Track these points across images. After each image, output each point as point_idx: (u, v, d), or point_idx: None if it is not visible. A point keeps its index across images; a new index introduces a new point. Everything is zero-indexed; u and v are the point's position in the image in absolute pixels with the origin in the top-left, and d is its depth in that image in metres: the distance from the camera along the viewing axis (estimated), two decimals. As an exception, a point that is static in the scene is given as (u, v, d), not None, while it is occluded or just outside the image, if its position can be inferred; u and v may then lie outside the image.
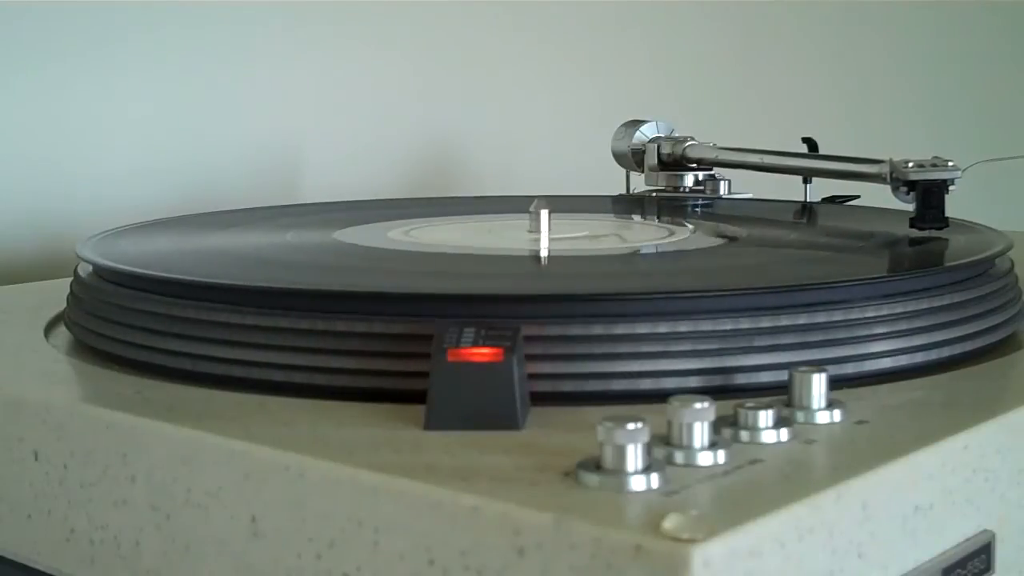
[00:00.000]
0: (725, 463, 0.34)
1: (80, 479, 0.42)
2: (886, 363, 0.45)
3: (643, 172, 0.81)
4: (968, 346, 0.47)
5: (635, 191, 0.83)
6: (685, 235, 0.62)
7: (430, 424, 0.38)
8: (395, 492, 0.34)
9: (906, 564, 0.36)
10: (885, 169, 0.61)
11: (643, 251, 0.59)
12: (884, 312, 0.45)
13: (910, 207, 0.60)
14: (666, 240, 0.61)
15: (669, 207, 0.76)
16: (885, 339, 0.45)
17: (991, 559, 0.39)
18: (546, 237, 0.60)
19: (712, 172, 0.80)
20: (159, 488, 0.40)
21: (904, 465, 0.36)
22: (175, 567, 0.40)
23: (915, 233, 0.59)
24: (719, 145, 0.78)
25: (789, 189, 0.76)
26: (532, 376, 0.40)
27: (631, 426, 0.32)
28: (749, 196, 0.78)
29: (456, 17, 1.03)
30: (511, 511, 0.32)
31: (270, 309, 0.44)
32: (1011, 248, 0.55)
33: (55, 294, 0.59)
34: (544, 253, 0.58)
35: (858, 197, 0.76)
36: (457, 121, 1.03)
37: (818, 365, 0.39)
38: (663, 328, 0.42)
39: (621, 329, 0.42)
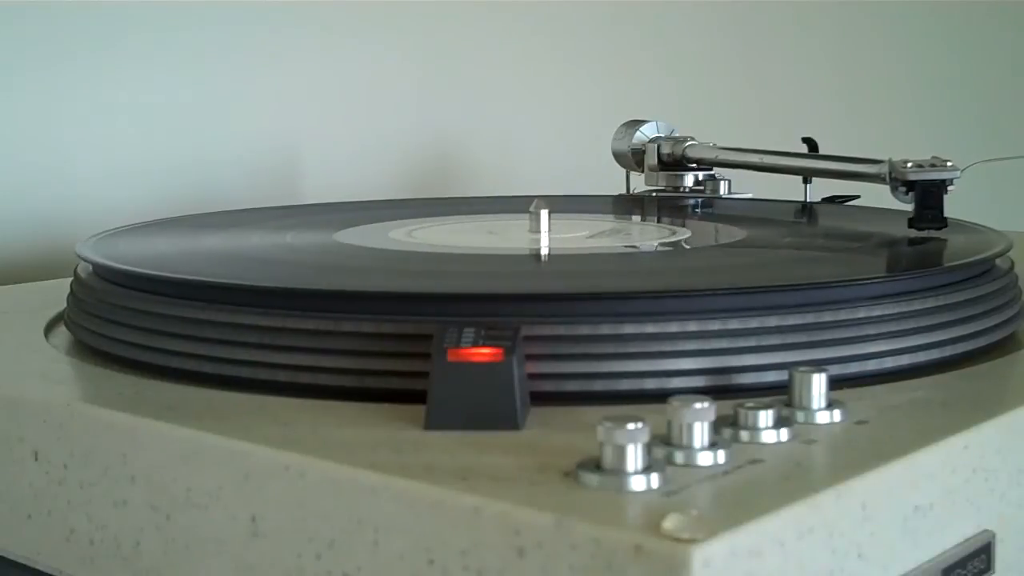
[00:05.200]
0: (725, 463, 0.34)
1: (80, 479, 0.42)
2: (886, 363, 0.45)
3: (643, 172, 0.81)
4: (968, 346, 0.47)
5: (635, 191, 0.83)
6: (685, 235, 0.63)
7: (430, 424, 0.38)
8: (395, 492, 0.34)
9: (906, 564, 0.36)
10: (884, 169, 0.61)
11: (643, 251, 0.59)
12: (884, 312, 0.45)
13: (909, 207, 0.60)
14: (666, 240, 0.61)
15: (669, 207, 0.76)
16: (885, 339, 0.45)
17: (991, 559, 0.39)
18: (546, 237, 0.60)
19: (712, 172, 0.80)
20: (159, 488, 0.40)
21: (904, 465, 0.36)
22: (175, 567, 0.40)
23: (914, 233, 0.59)
24: (719, 145, 0.78)
25: (789, 189, 0.76)
26: (532, 376, 0.40)
27: (631, 426, 0.32)
28: (749, 196, 0.78)
29: (456, 17, 1.03)
30: (511, 511, 0.32)
31: (270, 309, 0.44)
32: (1011, 248, 0.55)
33: (55, 294, 0.59)
34: (544, 253, 0.58)
35: (858, 197, 0.76)
36: (457, 121, 1.03)
37: (818, 365, 0.39)
38: (663, 328, 0.42)
39: (621, 329, 0.42)
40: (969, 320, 0.48)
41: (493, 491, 0.33)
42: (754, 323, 0.43)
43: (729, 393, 0.41)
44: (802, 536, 0.32)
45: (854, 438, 0.37)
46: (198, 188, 0.86)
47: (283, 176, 0.92)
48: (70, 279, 0.55)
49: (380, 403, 0.41)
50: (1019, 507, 0.41)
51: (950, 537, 0.38)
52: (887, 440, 0.37)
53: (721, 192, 0.79)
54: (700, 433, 0.34)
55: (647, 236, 0.64)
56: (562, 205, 0.66)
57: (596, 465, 0.33)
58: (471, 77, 1.04)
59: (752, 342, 0.42)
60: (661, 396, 0.35)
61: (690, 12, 1.23)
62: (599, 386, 0.41)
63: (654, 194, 0.80)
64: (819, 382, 0.38)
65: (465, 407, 0.38)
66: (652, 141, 0.81)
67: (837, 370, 0.42)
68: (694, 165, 0.79)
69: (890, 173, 0.61)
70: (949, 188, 0.59)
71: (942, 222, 0.59)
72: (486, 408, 0.38)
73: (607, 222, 0.71)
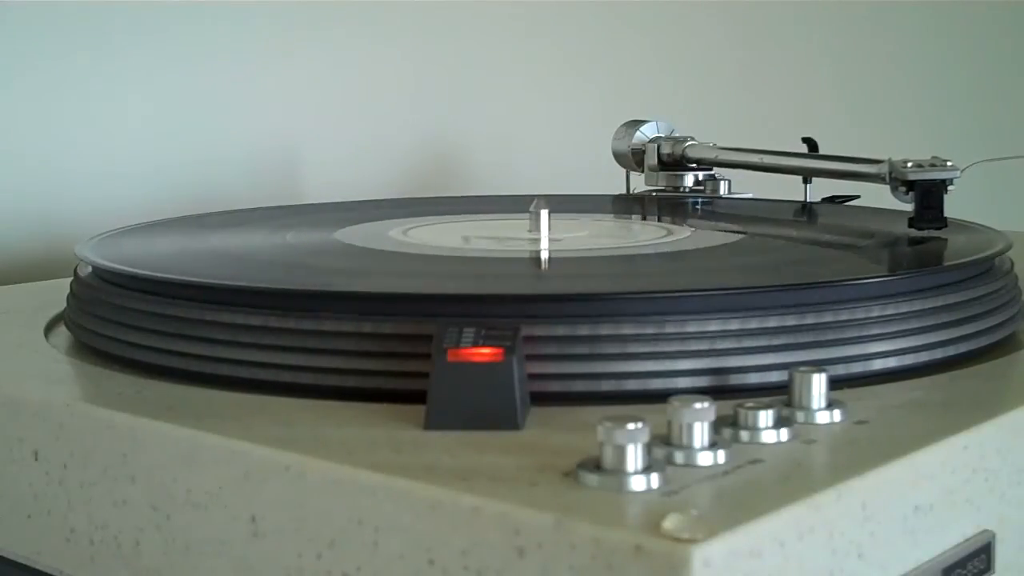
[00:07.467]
0: (725, 463, 0.34)
1: (80, 479, 0.42)
2: (886, 363, 0.45)
3: (643, 172, 0.81)
4: (968, 346, 0.47)
5: (635, 191, 0.83)
6: (685, 235, 0.63)
7: (430, 424, 0.38)
8: (395, 492, 0.34)
9: (906, 564, 0.36)
10: (884, 169, 0.61)
11: (643, 251, 0.59)
12: (884, 312, 0.45)
13: (909, 207, 0.60)
14: (666, 240, 0.61)
15: (669, 207, 0.76)
16: (885, 339, 0.45)
17: (991, 559, 0.39)
18: (546, 237, 0.60)
19: (712, 172, 0.80)
20: (159, 488, 0.40)
21: (904, 465, 0.36)
22: (175, 567, 0.40)
23: (914, 233, 0.59)
24: (719, 145, 0.78)
25: (789, 189, 0.76)
26: (532, 376, 0.40)
27: (631, 426, 0.32)
28: (749, 196, 0.78)
29: (455, 17, 1.03)
30: (511, 511, 0.32)
31: (270, 309, 0.44)
32: (1011, 248, 0.55)
33: (55, 294, 0.59)
34: (544, 253, 0.58)
35: (858, 197, 0.76)
36: (457, 121, 1.03)
37: (818, 365, 0.39)
38: (663, 328, 0.42)
39: (621, 329, 0.42)
40: (969, 320, 0.48)
41: (493, 491, 0.33)
42: (754, 323, 0.43)
43: (729, 393, 0.41)
44: (802, 536, 0.32)
45: (854, 438, 0.37)
46: (198, 188, 0.86)
47: (283, 176, 0.92)
48: (70, 279, 0.55)
49: (380, 403, 0.41)
50: (1019, 507, 0.41)
51: (950, 537, 0.38)
52: (887, 440, 0.37)
53: (721, 192, 0.79)
54: (700, 433, 0.34)
55: (647, 236, 0.64)
56: (562, 205, 0.66)
57: (596, 465, 0.33)
58: (471, 77, 1.04)
59: (752, 342, 0.42)
60: (661, 396, 0.35)
61: (690, 12, 1.23)
62: (599, 386, 0.41)
63: (654, 194, 0.80)
64: (819, 382, 0.38)
65: (465, 407, 0.38)
66: (652, 141, 0.81)
67: (837, 370, 0.42)
68: (694, 165, 0.80)
69: (890, 173, 0.61)
70: (949, 188, 0.59)
71: (942, 222, 0.59)
72: (486, 408, 0.38)
73: (607, 222, 0.71)
